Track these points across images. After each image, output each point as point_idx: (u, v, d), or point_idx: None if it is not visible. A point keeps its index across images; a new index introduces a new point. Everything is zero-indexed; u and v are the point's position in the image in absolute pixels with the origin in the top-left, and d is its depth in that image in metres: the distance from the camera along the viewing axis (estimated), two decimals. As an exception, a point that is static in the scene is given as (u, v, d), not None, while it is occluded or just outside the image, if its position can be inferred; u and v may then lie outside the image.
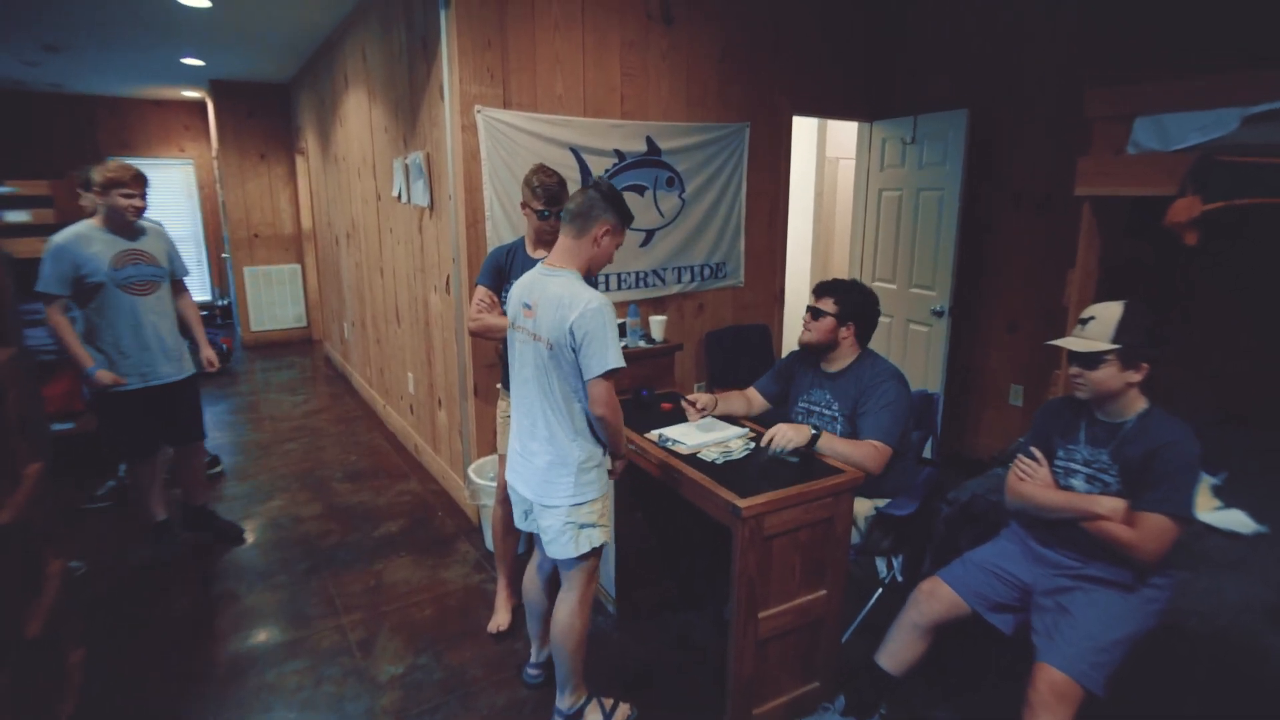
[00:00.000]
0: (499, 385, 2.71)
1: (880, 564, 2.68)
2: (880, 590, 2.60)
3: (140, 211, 2.90)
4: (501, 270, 2.53)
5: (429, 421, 4.09)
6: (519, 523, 2.11)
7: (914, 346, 4.28)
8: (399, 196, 3.92)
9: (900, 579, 2.57)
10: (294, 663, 2.48)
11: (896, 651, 2.04)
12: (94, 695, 2.25)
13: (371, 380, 5.42)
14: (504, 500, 2.64)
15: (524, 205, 2.46)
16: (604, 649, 2.55)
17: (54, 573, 2.09)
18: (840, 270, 6.55)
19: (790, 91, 4.05)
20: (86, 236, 2.82)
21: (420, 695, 2.32)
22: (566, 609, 2.04)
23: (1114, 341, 1.76)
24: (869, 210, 4.51)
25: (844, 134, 6.06)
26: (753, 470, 2.12)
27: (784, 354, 5.08)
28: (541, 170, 2.43)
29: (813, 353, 2.47)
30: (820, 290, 2.44)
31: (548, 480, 1.94)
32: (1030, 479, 1.94)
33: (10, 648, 1.68)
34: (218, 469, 4.17)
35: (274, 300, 7.60)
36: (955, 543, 2.37)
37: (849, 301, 2.39)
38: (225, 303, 8.48)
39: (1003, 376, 4.07)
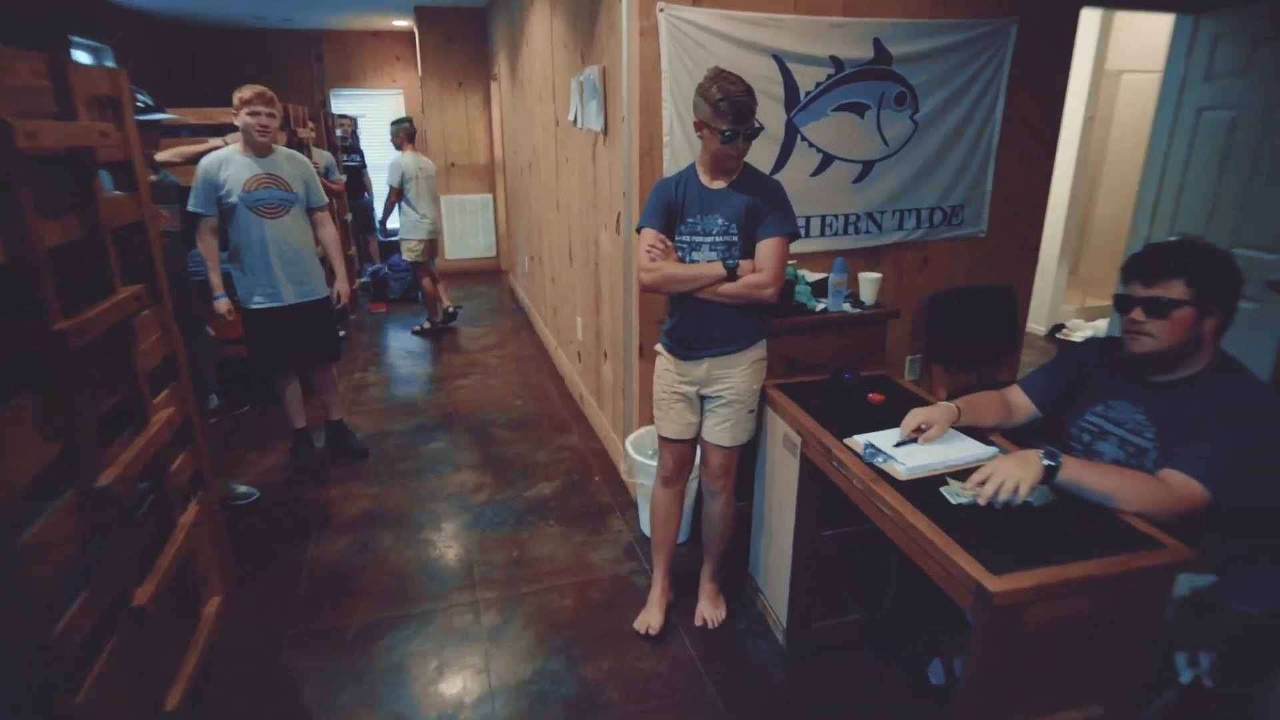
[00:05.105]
0: (657, 346, 2.22)
1: (1179, 659, 1.87)
2: (1172, 695, 1.81)
3: (267, 129, 2.91)
4: (673, 208, 2.04)
5: (594, 372, 3.74)
6: None
7: (1232, 329, 3.13)
8: (574, 120, 3.49)
9: (1209, 685, 1.76)
10: (422, 642, 2.25)
11: None
12: (223, 649, 2.17)
13: (546, 319, 5.22)
14: (668, 480, 2.27)
15: (699, 125, 1.92)
16: (767, 685, 2.06)
17: (185, 521, 1.97)
18: (1111, 219, 5.21)
19: (1080, -27, 2.99)
20: (226, 159, 2.91)
21: (545, 711, 1.99)
22: None
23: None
24: (1177, 138, 3.33)
25: (1133, 37, 4.69)
26: (1009, 518, 1.44)
27: (1029, 326, 4.08)
28: (722, 77, 1.86)
29: (1150, 365, 1.60)
30: (1150, 267, 1.53)
31: None
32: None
33: (119, 618, 1.54)
34: None
35: (467, 230, 7.71)
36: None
37: (1209, 278, 1.50)
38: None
39: (1374, 381, 2.85)
